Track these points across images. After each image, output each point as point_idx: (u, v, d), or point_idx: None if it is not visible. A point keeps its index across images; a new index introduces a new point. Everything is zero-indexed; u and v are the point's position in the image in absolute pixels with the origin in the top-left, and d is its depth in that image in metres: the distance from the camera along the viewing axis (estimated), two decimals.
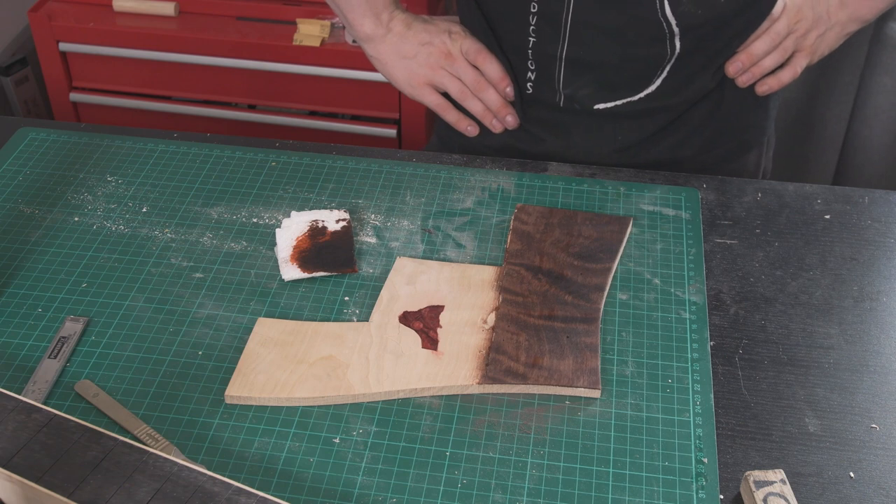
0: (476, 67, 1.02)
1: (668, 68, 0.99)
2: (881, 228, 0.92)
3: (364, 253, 0.88)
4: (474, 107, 1.03)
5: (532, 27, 0.97)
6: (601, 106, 1.02)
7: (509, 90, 1.02)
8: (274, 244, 0.89)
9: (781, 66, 1.03)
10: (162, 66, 1.88)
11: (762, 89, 1.05)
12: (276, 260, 0.87)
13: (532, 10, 0.96)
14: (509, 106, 1.04)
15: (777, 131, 2.07)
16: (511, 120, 1.04)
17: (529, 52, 1.00)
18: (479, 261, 0.87)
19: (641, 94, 1.01)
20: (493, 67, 1.01)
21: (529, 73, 1.02)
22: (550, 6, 0.95)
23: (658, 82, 1.01)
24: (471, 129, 1.06)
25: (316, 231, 0.89)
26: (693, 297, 0.84)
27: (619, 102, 1.02)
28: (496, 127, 1.05)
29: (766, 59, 1.03)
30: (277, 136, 1.57)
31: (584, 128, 1.04)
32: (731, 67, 1.01)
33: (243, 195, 0.95)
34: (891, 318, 0.83)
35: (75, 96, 1.95)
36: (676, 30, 0.95)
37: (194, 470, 0.60)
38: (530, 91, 1.03)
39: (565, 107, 1.03)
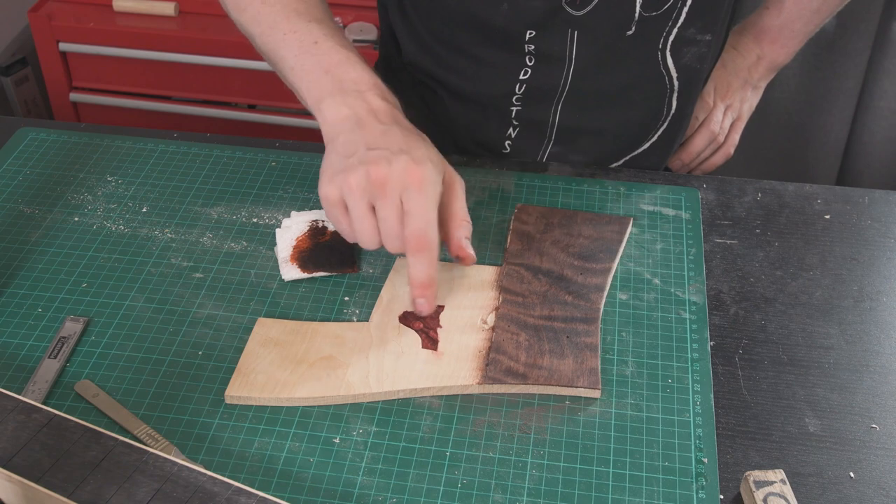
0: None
1: (660, 130, 1.00)
2: (881, 228, 0.92)
3: (364, 253, 0.88)
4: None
5: (517, 97, 0.94)
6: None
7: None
8: (274, 244, 0.89)
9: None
10: (162, 66, 1.88)
11: (696, 174, 1.09)
12: (276, 260, 0.87)
13: (522, 76, 0.92)
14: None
15: (779, 136, 2.07)
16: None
17: (513, 119, 0.96)
18: (479, 261, 0.87)
19: (627, 157, 1.03)
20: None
21: (510, 131, 0.99)
22: (546, 70, 0.92)
23: (646, 146, 1.01)
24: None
25: (316, 231, 0.89)
26: (693, 297, 0.84)
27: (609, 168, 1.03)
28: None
29: (704, 152, 1.07)
30: (277, 136, 1.56)
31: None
32: (674, 166, 1.06)
33: (243, 195, 0.95)
34: (891, 318, 0.83)
35: (75, 96, 1.95)
36: (676, 84, 0.95)
37: (194, 470, 0.60)
38: (507, 150, 1.01)
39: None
